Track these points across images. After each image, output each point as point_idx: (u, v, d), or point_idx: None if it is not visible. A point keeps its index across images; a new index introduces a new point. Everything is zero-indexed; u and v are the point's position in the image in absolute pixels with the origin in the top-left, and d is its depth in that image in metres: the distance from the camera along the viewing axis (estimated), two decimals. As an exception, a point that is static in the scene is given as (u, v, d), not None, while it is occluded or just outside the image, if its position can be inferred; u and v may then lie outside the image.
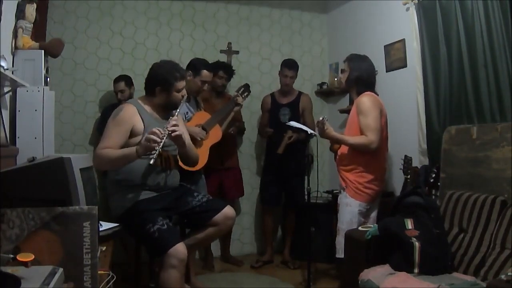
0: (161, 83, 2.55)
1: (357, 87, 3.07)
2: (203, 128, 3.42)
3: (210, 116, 3.51)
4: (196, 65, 3.44)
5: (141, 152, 2.32)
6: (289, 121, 3.57)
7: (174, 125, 2.41)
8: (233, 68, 4.14)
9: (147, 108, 2.59)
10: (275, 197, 4.20)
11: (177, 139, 2.49)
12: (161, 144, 2.29)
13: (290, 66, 4.07)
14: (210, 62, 3.66)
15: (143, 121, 2.50)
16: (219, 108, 3.73)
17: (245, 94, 3.75)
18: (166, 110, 2.59)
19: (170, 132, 2.38)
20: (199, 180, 3.36)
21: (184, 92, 2.61)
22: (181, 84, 2.58)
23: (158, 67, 2.61)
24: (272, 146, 4.08)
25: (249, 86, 3.81)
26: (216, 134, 3.52)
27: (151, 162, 2.25)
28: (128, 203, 2.48)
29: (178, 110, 2.54)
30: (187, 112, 3.40)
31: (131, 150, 2.37)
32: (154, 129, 2.31)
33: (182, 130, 2.49)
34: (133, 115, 2.50)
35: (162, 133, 2.31)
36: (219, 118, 3.59)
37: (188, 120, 3.38)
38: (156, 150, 2.27)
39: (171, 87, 2.54)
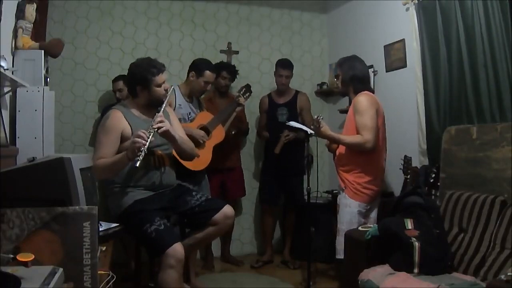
0: (139, 81, 2.54)
1: (353, 87, 3.08)
2: (206, 128, 3.42)
3: (213, 116, 3.51)
4: (199, 65, 3.43)
5: (130, 155, 2.32)
6: (287, 120, 3.57)
7: (160, 121, 2.41)
8: (237, 69, 4.14)
9: (134, 110, 2.59)
10: (274, 197, 4.20)
11: (165, 135, 2.49)
12: (147, 144, 2.28)
13: (284, 65, 4.07)
14: (212, 63, 3.66)
15: (130, 124, 2.50)
16: (221, 109, 3.73)
17: (246, 95, 3.76)
18: (152, 108, 2.57)
19: (156, 129, 2.38)
20: (202, 181, 3.35)
21: (166, 85, 2.58)
22: (161, 78, 2.55)
23: (134, 66, 2.59)
24: (270, 146, 4.08)
25: (250, 87, 3.82)
26: (219, 134, 3.52)
27: (137, 164, 2.24)
28: (125, 204, 2.48)
29: (163, 106, 2.53)
30: (189, 113, 3.40)
31: (122, 155, 2.37)
32: (139, 132, 2.31)
33: (168, 125, 2.48)
34: (120, 120, 2.50)
35: (147, 134, 2.31)
36: (222, 118, 3.59)
37: (191, 121, 3.38)
38: (141, 151, 2.26)
39: (150, 83, 2.53)
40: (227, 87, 4.08)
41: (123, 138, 2.48)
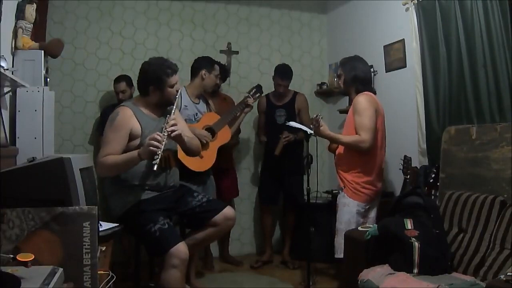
0: (153, 81, 2.52)
1: (355, 87, 3.08)
2: (212, 129, 3.40)
3: (219, 117, 3.47)
4: (207, 62, 3.42)
5: (144, 157, 2.31)
6: (285, 122, 3.56)
7: (173, 125, 2.40)
8: (229, 69, 4.07)
9: (143, 108, 2.57)
10: (273, 197, 4.21)
11: (177, 138, 2.49)
12: (163, 148, 2.28)
13: (282, 75, 4.04)
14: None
15: (140, 123, 2.50)
16: (228, 110, 3.67)
17: (256, 96, 3.70)
18: (161, 107, 2.58)
19: (169, 132, 2.38)
20: (207, 181, 3.33)
21: (178, 86, 2.58)
22: (174, 79, 2.54)
23: (148, 65, 2.58)
24: (270, 146, 4.07)
25: (261, 87, 3.76)
26: (225, 136, 3.48)
27: (154, 168, 2.24)
28: (129, 204, 2.48)
29: (174, 106, 2.52)
30: (196, 113, 3.37)
31: (133, 154, 2.35)
32: (155, 135, 2.29)
33: (180, 128, 2.48)
34: (129, 118, 2.49)
35: (162, 137, 2.30)
36: (229, 119, 3.55)
37: (198, 121, 3.35)
38: (158, 155, 2.25)
39: (164, 84, 2.52)
40: (218, 87, 4.01)
41: (131, 136, 2.47)
